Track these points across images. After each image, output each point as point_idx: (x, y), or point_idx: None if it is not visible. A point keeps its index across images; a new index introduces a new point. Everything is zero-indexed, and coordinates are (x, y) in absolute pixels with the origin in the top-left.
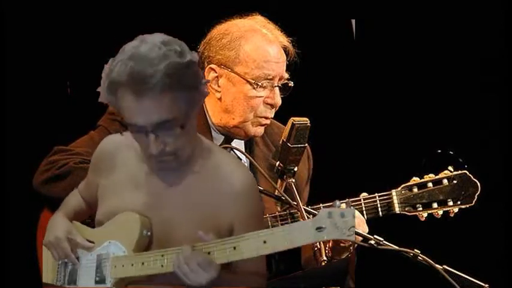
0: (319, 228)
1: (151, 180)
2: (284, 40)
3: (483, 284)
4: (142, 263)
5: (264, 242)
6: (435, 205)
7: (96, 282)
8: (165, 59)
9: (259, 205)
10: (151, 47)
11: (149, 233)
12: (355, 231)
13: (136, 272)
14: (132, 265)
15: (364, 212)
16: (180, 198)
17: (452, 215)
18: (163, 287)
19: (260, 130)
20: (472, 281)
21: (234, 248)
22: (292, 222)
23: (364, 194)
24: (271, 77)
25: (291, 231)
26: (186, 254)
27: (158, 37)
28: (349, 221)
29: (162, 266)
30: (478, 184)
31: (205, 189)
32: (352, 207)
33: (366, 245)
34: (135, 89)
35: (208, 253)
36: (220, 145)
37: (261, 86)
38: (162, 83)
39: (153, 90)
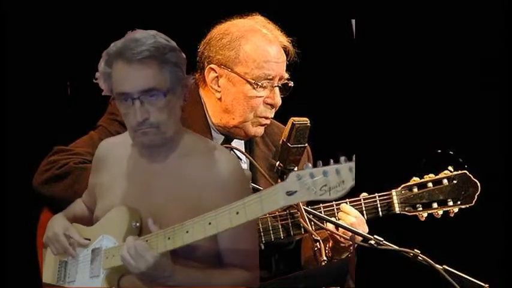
0: (289, 192)
1: (138, 173)
2: (284, 40)
3: (483, 284)
4: None
5: (237, 213)
6: (435, 205)
7: (91, 276)
8: (154, 37)
9: (245, 188)
10: (142, 33)
11: (138, 224)
12: (355, 231)
13: None
14: None
15: (364, 212)
16: (165, 188)
17: (452, 215)
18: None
19: (260, 130)
20: (472, 281)
21: (210, 223)
22: (292, 222)
23: (364, 194)
24: (271, 77)
25: (262, 199)
26: (128, 242)
27: (148, 30)
28: (318, 180)
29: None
30: (478, 184)
31: (190, 177)
32: (330, 166)
33: (366, 245)
34: (126, 57)
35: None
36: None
37: (261, 86)
38: (149, 52)
39: (140, 56)
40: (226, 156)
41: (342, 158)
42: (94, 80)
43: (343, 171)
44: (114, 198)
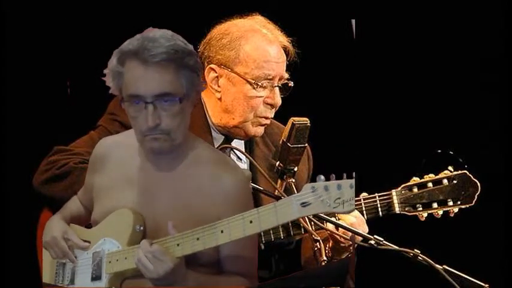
0: (303, 204)
1: (142, 177)
2: (284, 40)
3: (483, 284)
4: (134, 255)
5: (251, 222)
6: (435, 205)
7: (93, 279)
8: (172, 40)
9: (248, 203)
10: (160, 32)
11: (142, 228)
12: (355, 231)
13: (130, 265)
14: (126, 258)
15: (364, 212)
16: (169, 194)
17: (452, 215)
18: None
19: (260, 130)
20: (472, 281)
21: (222, 231)
22: (292, 222)
23: (364, 194)
24: (271, 77)
25: (276, 209)
26: (145, 246)
27: (165, 30)
28: (333, 194)
29: None
30: (478, 184)
31: (195, 184)
32: (344, 180)
33: (366, 245)
34: (142, 57)
35: (177, 245)
36: (220, 145)
37: (261, 86)
38: (167, 54)
39: (158, 58)
40: (231, 167)
41: (354, 173)
42: (102, 78)
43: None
44: (114, 201)
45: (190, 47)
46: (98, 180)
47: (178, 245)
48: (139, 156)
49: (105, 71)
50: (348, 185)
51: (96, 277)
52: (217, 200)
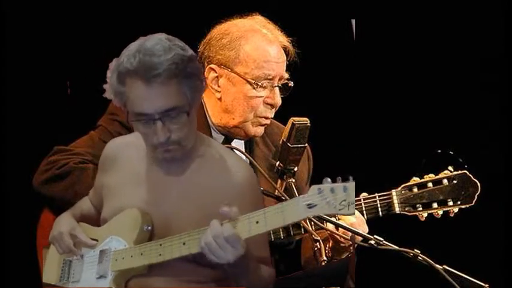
0: (310, 205)
1: (152, 177)
2: (284, 40)
3: (483, 284)
4: (141, 254)
5: (257, 222)
6: (435, 205)
7: (98, 277)
8: (170, 51)
9: (259, 198)
10: (156, 41)
11: (149, 228)
12: (355, 231)
13: (135, 263)
14: (132, 256)
15: (364, 212)
16: (180, 193)
17: (452, 215)
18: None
19: (260, 130)
20: (472, 281)
21: None
22: None
23: (364, 194)
24: (271, 77)
25: (283, 210)
26: (215, 229)
27: (161, 35)
28: (339, 196)
29: (160, 254)
30: (478, 184)
31: (205, 183)
32: (350, 182)
33: (366, 245)
34: (144, 76)
35: None
36: None
37: (261, 86)
38: (168, 71)
39: (160, 77)
40: (239, 162)
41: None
42: (103, 95)
43: None
44: (123, 200)
45: (189, 51)
46: (107, 180)
47: (184, 243)
48: (149, 156)
49: (105, 86)
50: (352, 187)
51: (101, 275)
52: (227, 194)
